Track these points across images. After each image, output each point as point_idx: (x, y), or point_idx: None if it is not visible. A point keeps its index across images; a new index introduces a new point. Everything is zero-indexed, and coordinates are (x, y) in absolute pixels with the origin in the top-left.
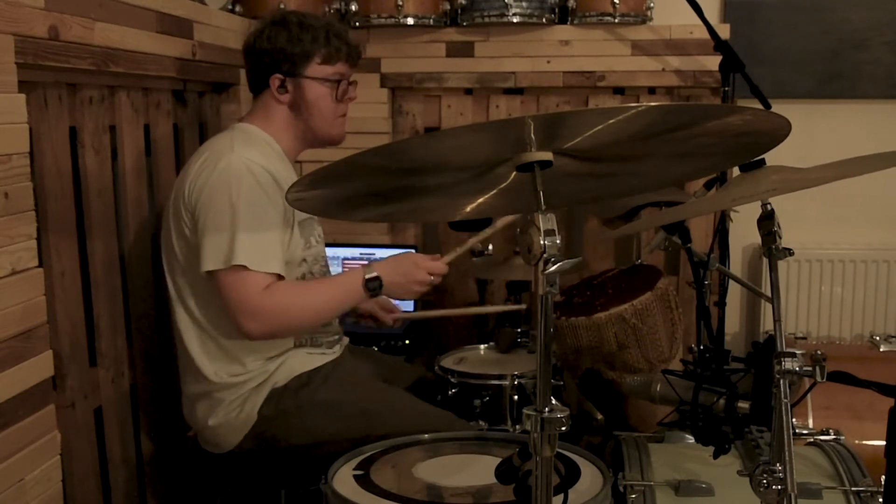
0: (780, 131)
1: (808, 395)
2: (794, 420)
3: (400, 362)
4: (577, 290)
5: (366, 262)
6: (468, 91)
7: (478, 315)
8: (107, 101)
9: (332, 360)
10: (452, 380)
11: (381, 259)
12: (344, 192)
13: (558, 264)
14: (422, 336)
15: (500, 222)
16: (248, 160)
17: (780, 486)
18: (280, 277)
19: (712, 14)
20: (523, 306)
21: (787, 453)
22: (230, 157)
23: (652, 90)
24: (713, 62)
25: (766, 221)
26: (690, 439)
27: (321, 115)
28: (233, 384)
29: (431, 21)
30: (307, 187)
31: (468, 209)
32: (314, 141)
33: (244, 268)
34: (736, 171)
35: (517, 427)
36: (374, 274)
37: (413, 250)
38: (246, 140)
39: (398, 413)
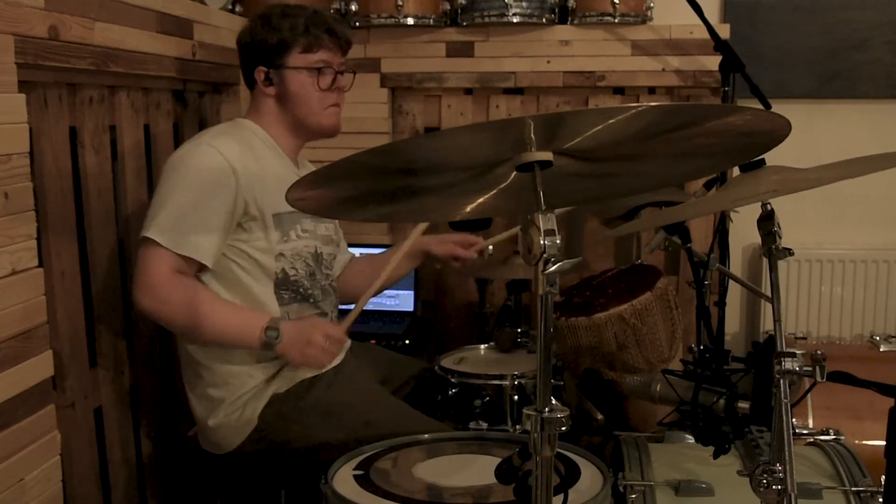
0: (780, 131)
1: (808, 395)
2: (794, 420)
3: (399, 357)
4: (577, 290)
5: (276, 317)
6: (468, 91)
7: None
8: (107, 101)
9: (333, 367)
10: (452, 380)
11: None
12: (344, 192)
13: (558, 264)
14: (422, 336)
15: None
16: (210, 147)
17: (780, 486)
18: (200, 265)
19: (712, 14)
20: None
21: (787, 453)
22: (197, 141)
23: (652, 90)
24: (713, 62)
25: (766, 221)
26: (690, 439)
27: (307, 105)
28: (234, 386)
29: (431, 21)
30: (307, 187)
31: (468, 209)
32: (306, 132)
33: (155, 243)
34: (736, 171)
35: (517, 427)
36: (277, 325)
37: None
38: (227, 131)
39: (399, 421)
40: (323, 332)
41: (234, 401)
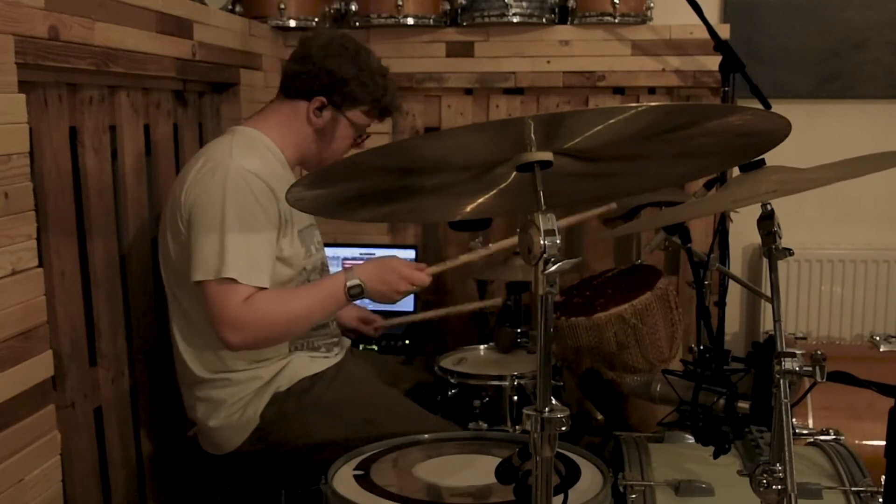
0: (780, 131)
1: (808, 395)
2: (794, 420)
3: (399, 365)
4: (577, 290)
5: (348, 267)
6: (468, 91)
7: (475, 311)
8: (107, 101)
9: (335, 365)
10: (452, 380)
11: (364, 262)
12: (344, 192)
13: (558, 264)
14: (421, 336)
15: (496, 246)
16: (244, 168)
17: (780, 486)
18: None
19: (712, 14)
20: (498, 301)
21: (787, 453)
22: (227, 164)
23: (652, 90)
24: (713, 62)
25: (766, 221)
26: (690, 439)
27: (335, 152)
28: (235, 387)
29: (431, 21)
30: (307, 187)
31: (468, 209)
32: (310, 164)
33: (232, 280)
34: (736, 171)
35: (517, 427)
36: (356, 281)
37: (413, 251)
38: (246, 145)
39: (400, 418)
40: (409, 280)
41: (235, 401)
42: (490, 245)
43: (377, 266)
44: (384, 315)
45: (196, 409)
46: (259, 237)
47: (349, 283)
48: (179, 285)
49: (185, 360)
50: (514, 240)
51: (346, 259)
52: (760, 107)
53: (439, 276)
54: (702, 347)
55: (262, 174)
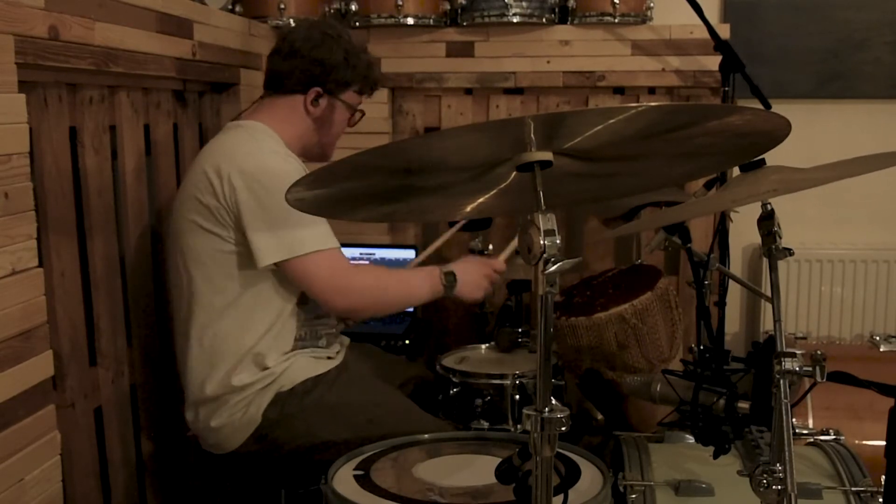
0: (780, 131)
1: (808, 395)
2: (794, 420)
3: (400, 361)
4: (577, 290)
5: (445, 265)
6: (468, 91)
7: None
8: (107, 101)
9: (336, 367)
10: (454, 379)
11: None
12: (344, 192)
13: (558, 264)
14: (422, 336)
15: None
16: (281, 154)
17: (780, 486)
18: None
19: (712, 14)
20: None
21: (787, 453)
22: (261, 148)
23: (652, 90)
24: (713, 62)
25: (766, 221)
26: (690, 439)
27: (333, 136)
28: (239, 387)
29: (431, 21)
30: (307, 187)
31: (468, 209)
32: (312, 154)
33: (336, 249)
34: (736, 171)
35: (518, 427)
36: (450, 269)
37: (413, 251)
38: (268, 137)
39: (402, 419)
40: (492, 268)
41: (237, 401)
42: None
43: (462, 261)
44: None
45: (199, 411)
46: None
47: (444, 270)
48: (204, 276)
49: (195, 359)
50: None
51: None
52: (760, 107)
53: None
54: (702, 347)
55: (290, 157)
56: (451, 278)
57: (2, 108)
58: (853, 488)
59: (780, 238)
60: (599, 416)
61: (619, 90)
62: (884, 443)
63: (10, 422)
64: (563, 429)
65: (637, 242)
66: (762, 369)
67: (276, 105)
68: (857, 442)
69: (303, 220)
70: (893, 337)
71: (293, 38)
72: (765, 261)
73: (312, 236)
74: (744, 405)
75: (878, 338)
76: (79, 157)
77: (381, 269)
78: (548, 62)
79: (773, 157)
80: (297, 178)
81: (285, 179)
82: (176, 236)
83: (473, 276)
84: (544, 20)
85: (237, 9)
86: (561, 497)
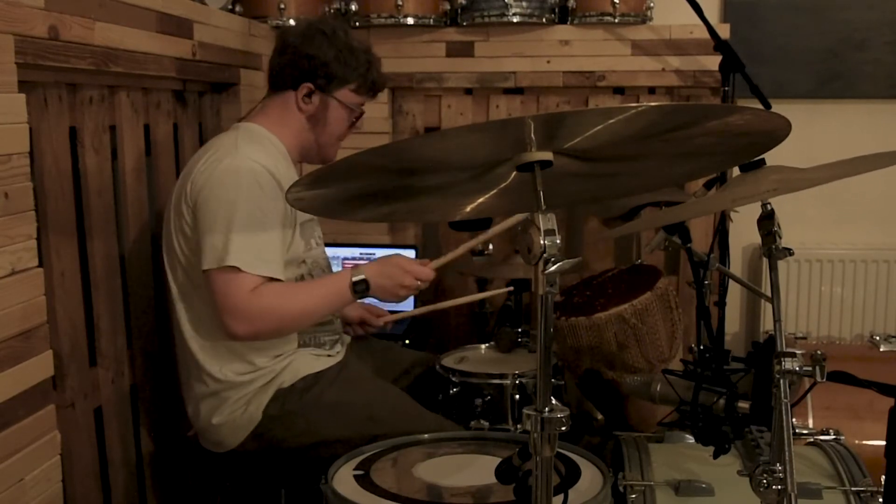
0: (780, 131)
1: (808, 395)
2: (794, 420)
3: (398, 348)
4: (577, 290)
5: (353, 265)
6: (468, 91)
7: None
8: (107, 101)
9: (337, 364)
10: (454, 379)
11: (370, 261)
12: (344, 192)
13: (558, 264)
14: (421, 336)
15: (494, 230)
16: (251, 160)
17: (780, 486)
18: (273, 280)
19: (712, 14)
20: (510, 289)
21: (787, 453)
22: (234, 155)
23: (652, 90)
24: (713, 62)
25: (766, 221)
26: (690, 439)
27: (331, 136)
28: (239, 383)
29: (431, 21)
30: (307, 187)
31: (468, 209)
32: (311, 155)
33: (236, 269)
34: (736, 171)
35: (518, 426)
36: (361, 276)
37: (413, 251)
38: (250, 139)
39: (402, 417)
40: (414, 275)
41: (239, 398)
42: (489, 230)
43: (381, 263)
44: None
45: (199, 408)
46: (265, 228)
47: (354, 279)
48: (188, 279)
49: (195, 358)
50: (512, 220)
51: (346, 259)
52: (760, 107)
53: (439, 275)
54: (702, 347)
55: (268, 167)
56: (361, 286)
57: (2, 108)
58: (853, 488)
59: (780, 238)
60: (599, 416)
61: (619, 90)
62: (884, 443)
63: (10, 422)
64: (563, 429)
65: (637, 242)
66: (762, 369)
67: (273, 103)
68: (857, 442)
69: (238, 232)
70: (893, 337)
71: (287, 35)
72: (765, 261)
73: (237, 252)
74: (744, 405)
75: (878, 338)
76: (79, 157)
77: (286, 287)
78: (548, 62)
79: (773, 157)
80: (258, 188)
81: (237, 189)
82: (166, 236)
83: (387, 284)
84: (544, 20)
85: (237, 9)
86: (561, 497)
